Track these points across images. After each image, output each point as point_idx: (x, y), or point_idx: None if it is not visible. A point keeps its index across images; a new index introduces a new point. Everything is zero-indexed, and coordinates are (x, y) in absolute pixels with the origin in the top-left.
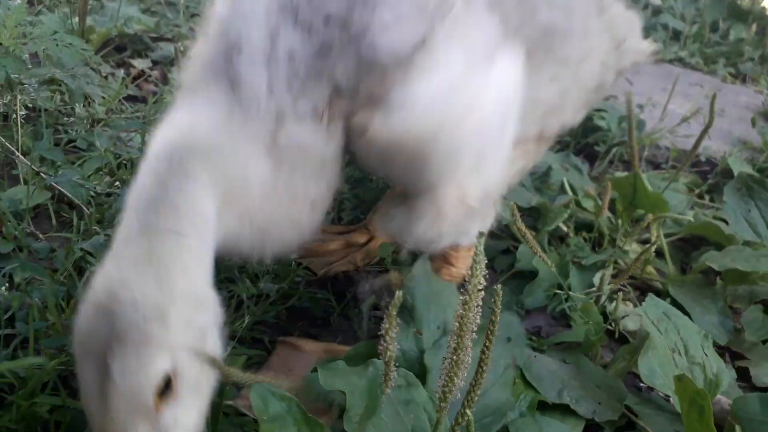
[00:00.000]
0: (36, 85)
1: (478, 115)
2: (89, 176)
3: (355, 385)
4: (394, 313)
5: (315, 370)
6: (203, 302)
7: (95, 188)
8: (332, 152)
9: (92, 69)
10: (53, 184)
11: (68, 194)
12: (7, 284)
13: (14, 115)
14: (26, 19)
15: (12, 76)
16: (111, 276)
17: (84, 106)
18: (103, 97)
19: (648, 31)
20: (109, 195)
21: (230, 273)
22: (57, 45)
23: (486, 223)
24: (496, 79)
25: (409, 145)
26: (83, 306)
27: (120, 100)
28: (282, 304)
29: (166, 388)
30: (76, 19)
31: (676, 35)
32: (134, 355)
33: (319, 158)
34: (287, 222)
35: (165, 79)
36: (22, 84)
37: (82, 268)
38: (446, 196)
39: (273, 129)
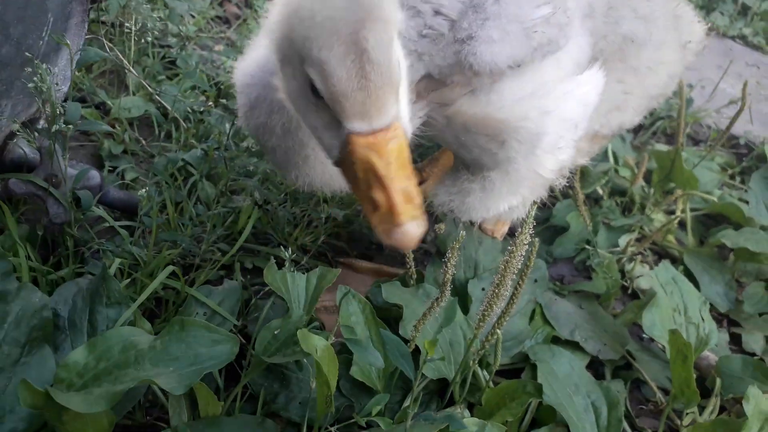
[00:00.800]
0: (144, 3)
1: (560, 113)
2: (185, 92)
3: (410, 301)
4: (457, 246)
5: (378, 285)
6: None
7: (192, 105)
8: (413, 125)
9: None
10: (157, 97)
11: (169, 108)
12: (120, 181)
13: (128, 31)
14: None
15: None
16: None
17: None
18: (193, 16)
19: (716, 2)
20: (201, 111)
21: (308, 197)
22: None
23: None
24: (581, 87)
25: (492, 125)
26: None
27: (207, 20)
28: (345, 227)
29: None
30: None
31: (744, 10)
32: (383, 29)
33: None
34: None
35: (247, 3)
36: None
37: (181, 175)
38: (522, 169)
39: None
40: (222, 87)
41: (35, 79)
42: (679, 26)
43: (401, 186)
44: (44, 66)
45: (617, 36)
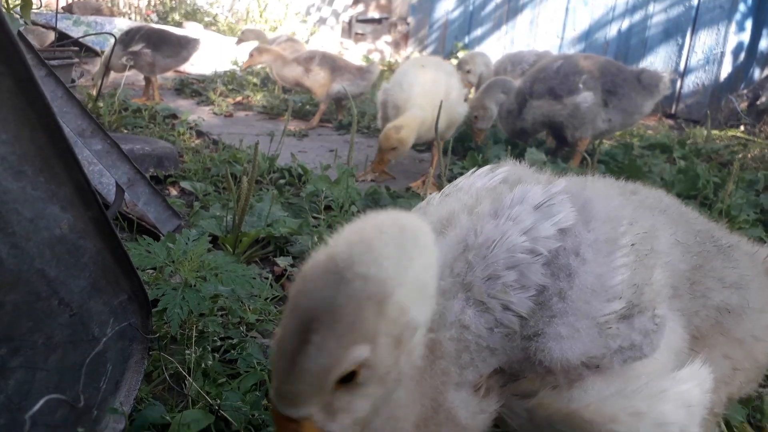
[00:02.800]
0: (208, 306)
1: (656, 416)
2: (246, 393)
3: None
4: None
5: None
6: (425, 293)
7: (253, 412)
8: (480, 422)
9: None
10: (216, 408)
11: (230, 419)
12: None
13: (189, 341)
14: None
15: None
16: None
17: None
18: (252, 297)
19: None
20: (263, 419)
21: None
22: (230, 275)
23: None
24: (680, 385)
25: (578, 424)
26: (315, 262)
27: (268, 301)
28: None
29: (352, 375)
30: (228, 218)
31: None
32: (337, 337)
33: (470, 429)
34: None
35: None
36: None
37: None
38: None
39: (440, 390)
40: None
41: None
42: None
43: None
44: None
45: (710, 309)
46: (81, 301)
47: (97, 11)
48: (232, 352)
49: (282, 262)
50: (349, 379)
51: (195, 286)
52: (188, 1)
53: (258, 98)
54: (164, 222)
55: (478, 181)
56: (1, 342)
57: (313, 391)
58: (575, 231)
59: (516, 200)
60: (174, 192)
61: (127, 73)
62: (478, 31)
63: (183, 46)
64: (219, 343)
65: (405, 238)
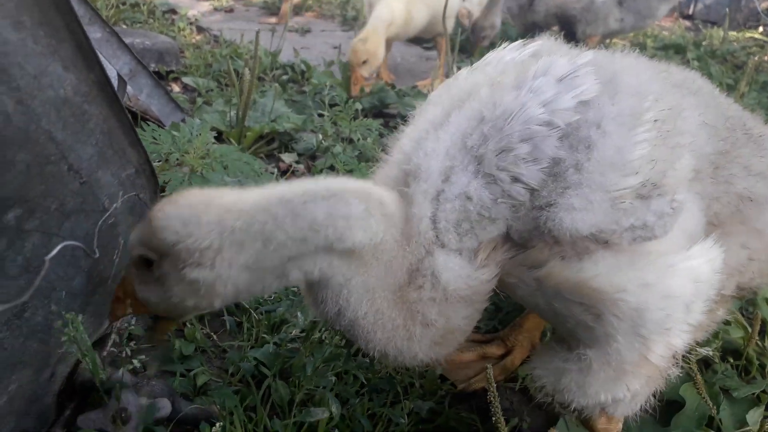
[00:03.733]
0: None
1: (663, 288)
2: None
3: None
4: None
5: None
6: None
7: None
8: (481, 285)
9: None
10: None
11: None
12: (192, 387)
13: None
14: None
15: None
16: None
17: None
18: None
19: None
20: (273, 301)
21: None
22: (235, 163)
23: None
24: (688, 261)
25: (586, 293)
26: None
27: None
28: (431, 422)
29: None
30: (232, 114)
31: None
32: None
33: (465, 291)
34: (401, 336)
35: (310, 171)
36: None
37: (254, 375)
38: (624, 351)
39: (421, 258)
40: None
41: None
42: None
43: None
44: None
45: (732, 196)
46: (90, 170)
47: None
48: None
49: (287, 158)
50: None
51: (202, 173)
52: None
53: None
54: (168, 115)
55: (507, 54)
56: (15, 203)
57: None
58: (598, 103)
59: (540, 72)
60: (176, 88)
61: None
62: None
63: None
64: None
65: None
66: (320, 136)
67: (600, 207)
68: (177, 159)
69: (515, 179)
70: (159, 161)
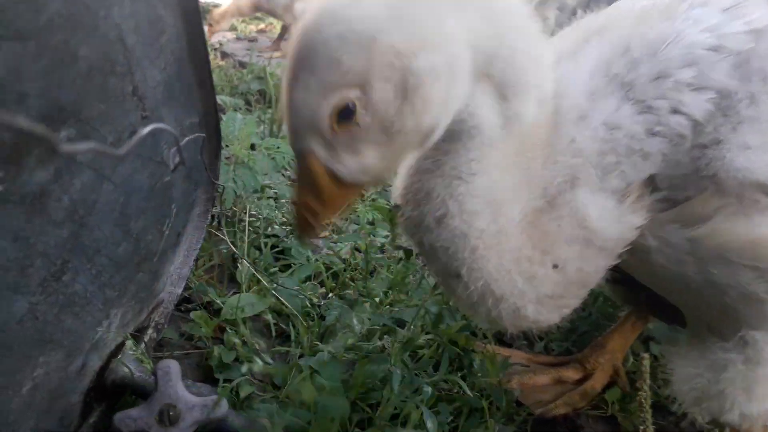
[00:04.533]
0: (258, 193)
1: None
2: (301, 283)
3: None
4: None
5: None
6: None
7: (310, 299)
8: (617, 232)
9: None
10: (273, 292)
11: (287, 304)
12: (235, 397)
13: (241, 223)
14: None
15: (246, 186)
16: None
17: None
18: None
19: None
20: (320, 306)
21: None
22: (281, 155)
23: None
24: None
25: (764, 254)
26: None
27: None
28: None
29: (349, 115)
30: (264, 128)
31: None
32: (319, 75)
33: (612, 234)
34: (520, 270)
35: None
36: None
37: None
38: None
39: (561, 186)
40: (339, 275)
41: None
42: None
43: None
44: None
45: None
46: (154, 102)
47: None
48: (286, 240)
49: None
50: (347, 118)
51: (247, 163)
52: None
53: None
54: None
55: None
56: (71, 117)
57: (307, 126)
58: None
59: (697, 2)
60: None
61: None
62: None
63: None
64: (267, 239)
65: None
66: None
67: None
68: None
69: (675, 110)
70: None
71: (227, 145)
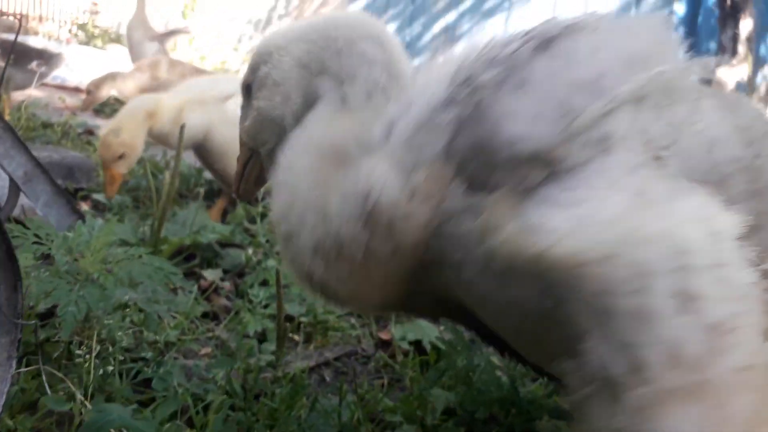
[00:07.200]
0: (111, 311)
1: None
2: (163, 423)
3: None
4: None
5: None
6: None
7: None
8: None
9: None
10: None
11: None
12: None
13: (87, 354)
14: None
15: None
16: None
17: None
18: (173, 316)
19: None
20: None
21: None
22: (144, 269)
23: None
24: (683, 209)
25: (563, 266)
26: None
27: (191, 319)
28: None
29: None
30: (146, 228)
31: None
32: None
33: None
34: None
35: (237, 291)
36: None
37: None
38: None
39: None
40: (210, 409)
41: None
42: None
43: None
44: None
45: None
46: None
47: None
48: (146, 370)
49: (210, 274)
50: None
51: (98, 279)
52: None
53: None
54: (68, 229)
55: None
56: None
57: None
58: None
59: None
60: (85, 206)
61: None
62: (415, 62)
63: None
64: (129, 364)
65: None
66: (250, 251)
67: (547, 119)
68: (66, 263)
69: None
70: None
71: (76, 260)
